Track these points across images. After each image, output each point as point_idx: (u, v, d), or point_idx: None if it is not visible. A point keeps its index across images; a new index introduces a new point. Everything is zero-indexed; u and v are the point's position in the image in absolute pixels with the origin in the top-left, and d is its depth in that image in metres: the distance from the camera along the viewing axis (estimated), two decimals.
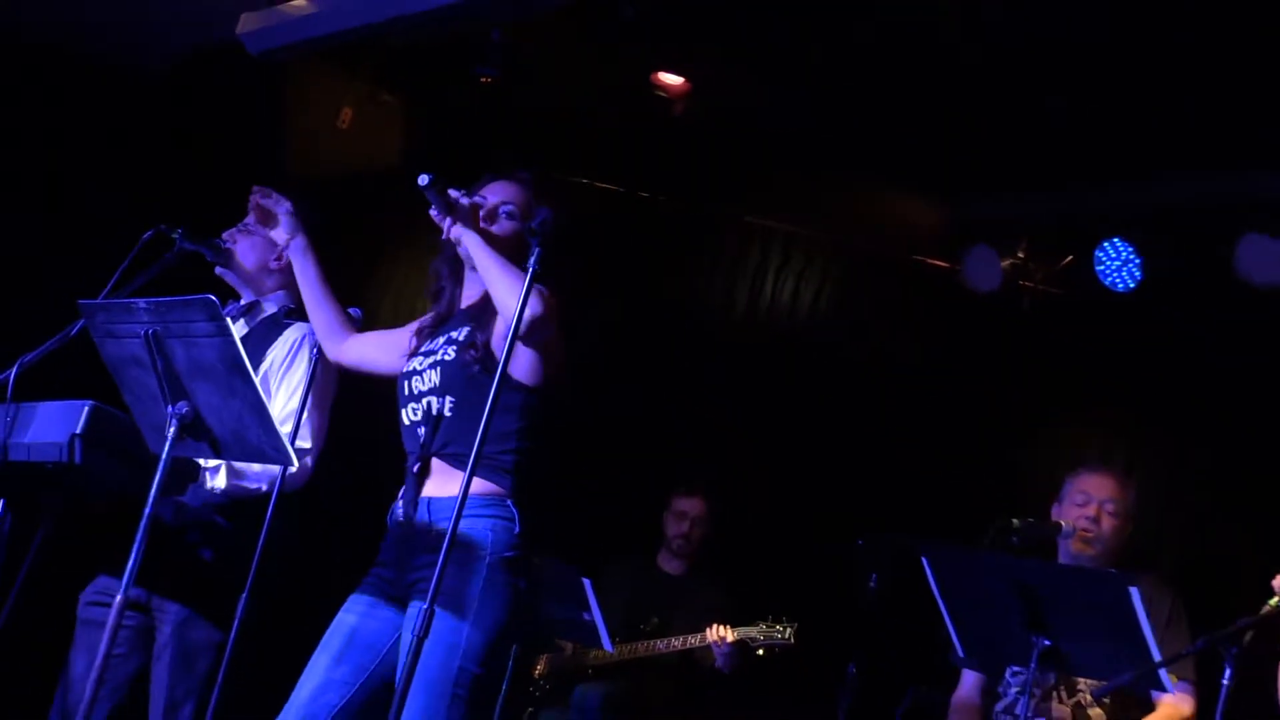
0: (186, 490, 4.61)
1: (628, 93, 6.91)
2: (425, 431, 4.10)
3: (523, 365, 4.07)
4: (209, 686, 4.59)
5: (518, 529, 4.00)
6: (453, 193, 4.15)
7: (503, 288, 3.98)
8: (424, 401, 4.12)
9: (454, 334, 4.18)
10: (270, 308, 5.09)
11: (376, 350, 4.45)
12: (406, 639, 3.83)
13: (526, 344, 4.03)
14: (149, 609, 4.78)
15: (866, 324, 8.30)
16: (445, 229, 4.13)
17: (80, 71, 7.29)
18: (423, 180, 4.08)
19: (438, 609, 3.75)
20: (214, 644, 4.65)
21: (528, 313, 3.86)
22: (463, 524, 3.76)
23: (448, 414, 4.08)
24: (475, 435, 3.78)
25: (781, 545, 7.91)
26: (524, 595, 4.02)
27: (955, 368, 8.00)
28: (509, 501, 4.01)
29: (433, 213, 4.16)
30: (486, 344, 4.10)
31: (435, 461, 4.09)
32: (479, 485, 3.87)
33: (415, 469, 4.10)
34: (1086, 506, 5.50)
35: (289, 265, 4.94)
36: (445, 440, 4.07)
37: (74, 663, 4.79)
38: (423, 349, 4.24)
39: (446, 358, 4.13)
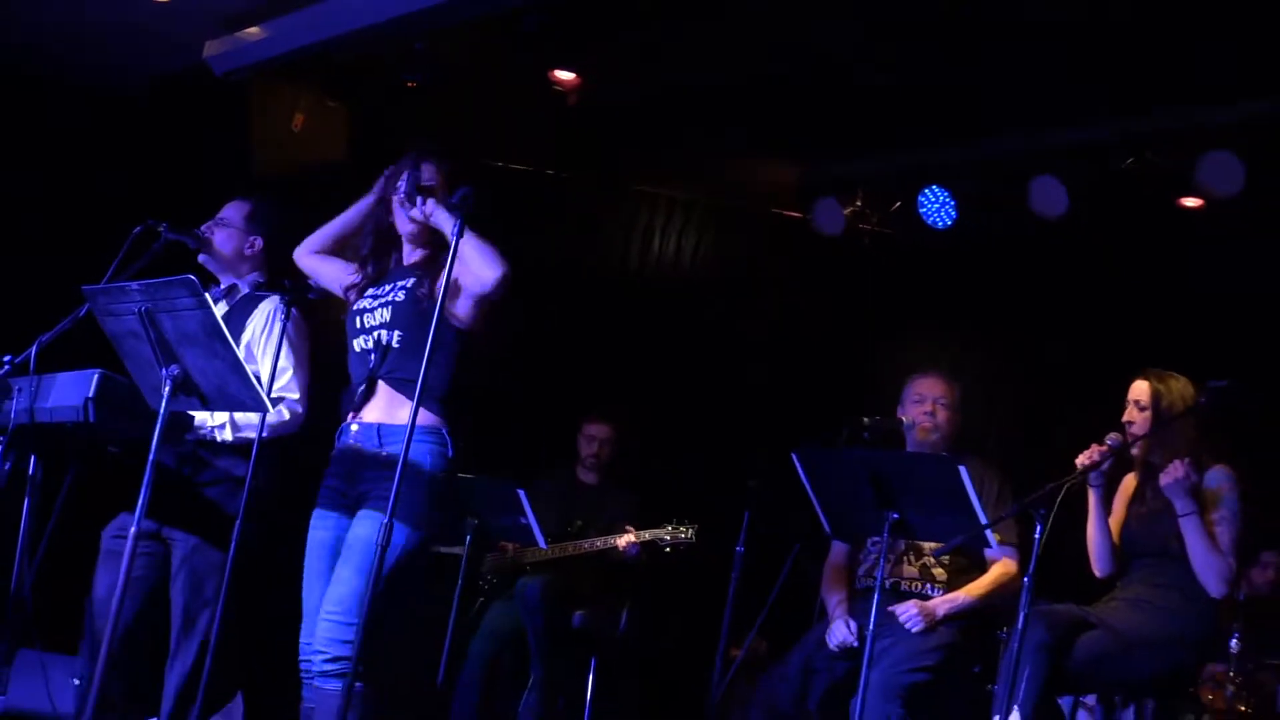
0: (183, 439, 4.61)
1: (530, 88, 6.88)
2: (375, 358, 4.12)
3: (462, 311, 4.10)
4: (219, 599, 4.58)
5: (450, 453, 4.05)
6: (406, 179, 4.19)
7: (475, 254, 3.98)
8: (375, 334, 4.14)
9: (401, 283, 4.18)
10: (245, 288, 5.07)
11: (327, 268, 4.44)
12: (358, 533, 3.95)
13: (481, 297, 4.04)
14: (162, 538, 4.77)
15: (737, 267, 8.37)
16: (418, 207, 4.11)
17: (75, 97, 7.24)
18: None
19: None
20: (221, 565, 4.62)
21: (500, 276, 3.96)
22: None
23: (395, 345, 4.10)
24: (417, 365, 3.85)
25: (678, 456, 7.95)
26: (452, 504, 4.14)
27: (811, 299, 8.08)
28: (444, 430, 4.05)
29: (397, 195, 4.18)
30: (432, 289, 4.10)
31: (381, 385, 4.11)
32: (421, 417, 3.90)
33: (362, 389, 4.12)
34: (923, 404, 5.51)
35: (259, 252, 5.07)
36: (391, 367, 4.10)
37: (98, 587, 4.77)
38: (370, 292, 4.23)
39: (397, 299, 4.14)
